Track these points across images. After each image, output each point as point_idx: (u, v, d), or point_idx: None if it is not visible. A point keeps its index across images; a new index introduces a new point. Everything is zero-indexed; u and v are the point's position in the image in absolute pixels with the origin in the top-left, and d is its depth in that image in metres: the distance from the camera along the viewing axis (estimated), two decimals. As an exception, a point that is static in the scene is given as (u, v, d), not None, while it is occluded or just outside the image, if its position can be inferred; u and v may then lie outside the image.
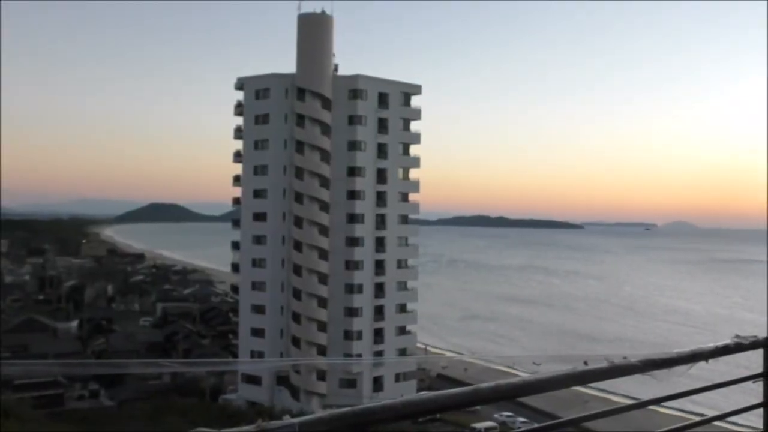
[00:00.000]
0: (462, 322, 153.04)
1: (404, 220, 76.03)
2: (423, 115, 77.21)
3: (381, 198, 73.35)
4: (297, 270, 71.13)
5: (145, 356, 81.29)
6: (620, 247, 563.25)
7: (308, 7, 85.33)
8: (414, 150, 77.23)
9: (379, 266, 73.15)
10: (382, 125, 73.29)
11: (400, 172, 75.12)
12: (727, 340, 3.39)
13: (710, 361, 3.16)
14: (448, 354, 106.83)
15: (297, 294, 71.17)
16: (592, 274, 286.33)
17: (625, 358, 2.87)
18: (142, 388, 69.44)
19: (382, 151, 73.38)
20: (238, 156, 77.26)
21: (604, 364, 2.84)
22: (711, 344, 3.29)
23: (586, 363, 2.78)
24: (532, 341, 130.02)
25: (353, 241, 71.11)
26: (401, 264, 75.55)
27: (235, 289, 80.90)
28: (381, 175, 73.21)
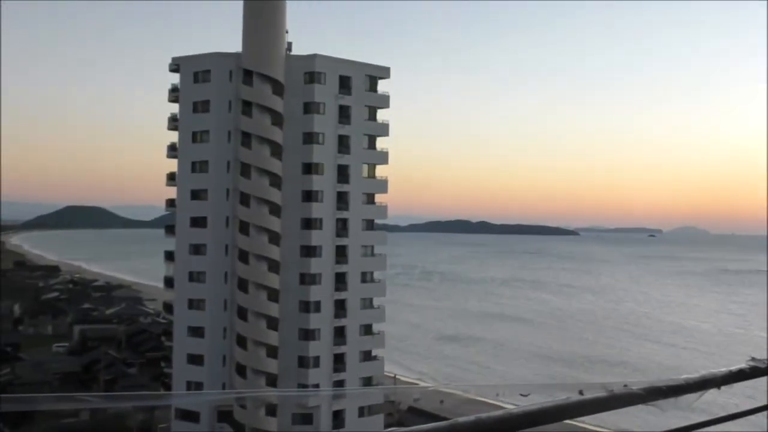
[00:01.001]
0: (437, 345, 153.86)
1: (370, 225, 76.36)
2: (392, 103, 77.89)
3: (342, 199, 73.49)
4: (243, 285, 70.84)
5: (59, 389, 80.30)
6: (620, 256, 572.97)
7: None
8: (382, 143, 77.52)
9: (340, 280, 73.31)
10: (344, 114, 73.50)
11: (365, 169, 75.45)
12: (741, 364, 3.38)
13: (722, 387, 3.19)
14: (422, 384, 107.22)
15: (242, 313, 70.83)
16: (588, 287, 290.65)
17: (625, 385, 2.83)
18: (55, 428, 68.41)
19: (343, 144, 73.53)
20: (172, 150, 76.63)
21: (602, 394, 2.78)
22: (723, 368, 3.27)
23: (581, 392, 2.73)
24: (518, 367, 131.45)
25: (309, 251, 71.13)
26: (366, 277, 75.86)
27: (168, 307, 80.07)
28: (342, 173, 73.35)
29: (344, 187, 73.31)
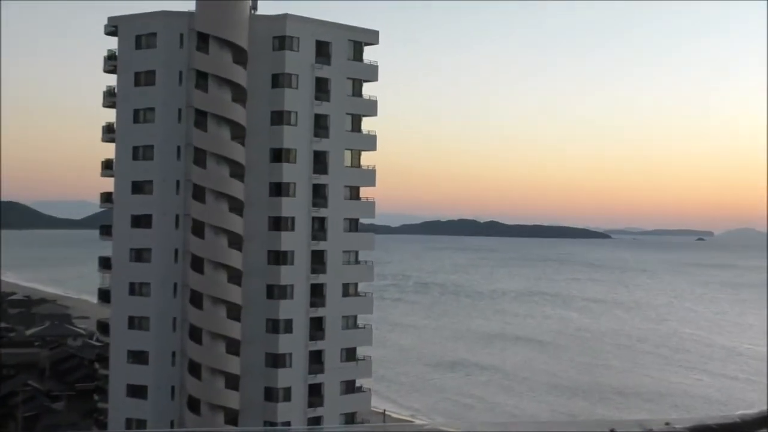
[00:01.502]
0: (434, 375, 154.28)
1: (354, 226, 76.49)
2: (382, 75, 77.94)
3: (320, 194, 73.54)
4: (196, 299, 70.66)
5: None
6: (661, 264, 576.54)
7: None
8: (369, 125, 77.62)
9: (317, 293, 73.31)
10: (322, 89, 73.43)
11: (348, 156, 75.55)
12: None
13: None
14: (415, 422, 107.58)
15: (196, 335, 70.71)
16: (621, 302, 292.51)
17: (667, 423, 2.69)
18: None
19: (321, 126, 73.50)
20: (109, 132, 76.39)
21: None
22: None
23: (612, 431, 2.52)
24: (532, 401, 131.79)
25: (279, 257, 71.02)
26: (349, 290, 75.88)
27: (103, 327, 79.75)
28: (320, 161, 73.35)
29: (322, 179, 73.25)
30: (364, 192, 77.42)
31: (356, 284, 76.91)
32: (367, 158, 77.23)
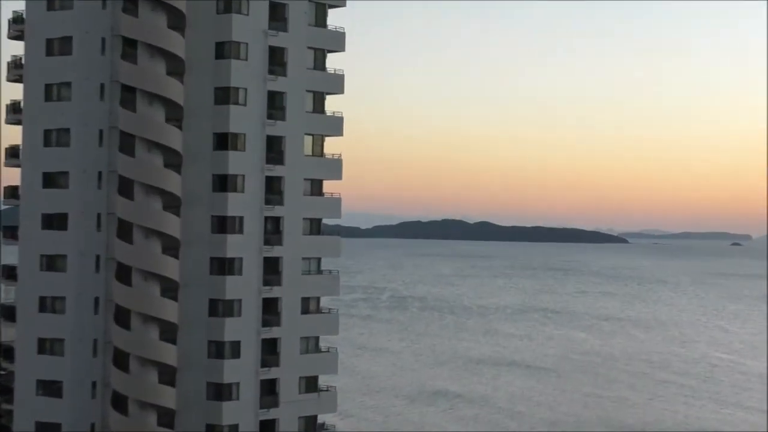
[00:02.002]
0: (412, 408, 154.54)
1: (315, 227, 76.70)
2: (350, 44, 77.96)
3: (274, 189, 73.64)
4: (122, 317, 70.56)
5: None
6: (687, 273, 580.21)
7: None
8: (334, 105, 77.75)
9: (270, 310, 73.42)
10: (277, 60, 73.57)
11: (309, 143, 75.67)
12: None
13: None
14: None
15: (122, 360, 70.73)
16: (638, 320, 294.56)
17: None
18: None
19: (276, 105, 73.55)
20: (15, 112, 76.10)
21: None
22: None
23: None
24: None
25: (223, 266, 70.98)
26: (309, 306, 76.01)
27: (6, 352, 79.35)
28: (274, 149, 73.46)
29: (276, 170, 73.31)
30: (329, 186, 77.54)
31: (318, 299, 77.04)
32: (332, 145, 77.44)
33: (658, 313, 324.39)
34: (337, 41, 77.26)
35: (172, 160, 70.74)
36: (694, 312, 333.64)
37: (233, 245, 71.05)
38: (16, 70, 76.32)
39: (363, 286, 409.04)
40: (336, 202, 78.10)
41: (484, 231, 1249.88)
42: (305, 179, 75.35)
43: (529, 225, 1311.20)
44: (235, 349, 71.06)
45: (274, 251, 73.38)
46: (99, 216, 72.12)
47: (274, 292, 73.26)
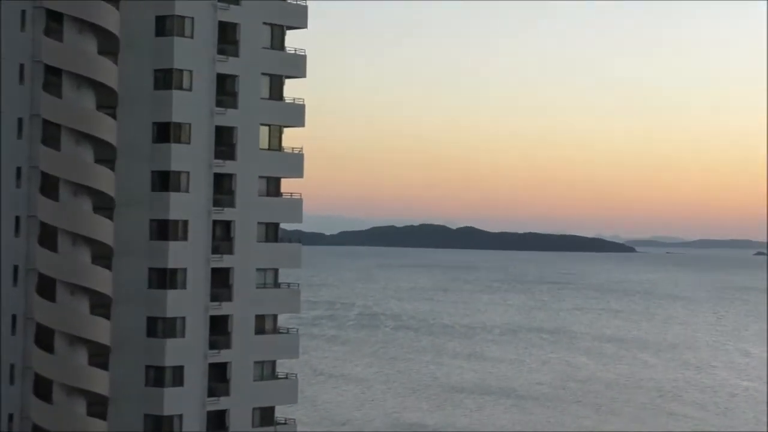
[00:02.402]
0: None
1: (272, 233, 76.83)
2: (314, 19, 78.16)
3: (224, 188, 73.80)
4: (44, 338, 70.11)
5: None
6: (705, 287, 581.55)
7: None
8: (294, 90, 77.76)
9: (219, 329, 73.36)
10: (228, 38, 73.66)
11: (265, 135, 75.84)
12: None
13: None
14: None
15: (44, 388, 70.14)
16: (647, 342, 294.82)
17: None
18: None
19: (226, 90, 73.69)
20: None
21: None
22: None
23: None
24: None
25: (163, 278, 70.97)
26: (265, 325, 76.03)
27: None
28: (224, 142, 73.54)
29: (227, 167, 73.35)
30: (288, 185, 77.70)
31: (275, 316, 77.04)
32: (292, 138, 77.62)
33: (669, 334, 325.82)
34: (298, 16, 77.33)
35: (105, 154, 70.56)
36: (711, 332, 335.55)
37: (176, 254, 70.93)
38: None
39: (328, 301, 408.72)
40: (296, 204, 78.19)
41: (469, 238, 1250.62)
42: (261, 177, 75.40)
43: (520, 231, 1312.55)
44: (178, 376, 70.88)
45: (224, 261, 73.32)
46: (18, 219, 71.77)
47: (223, 308, 73.13)
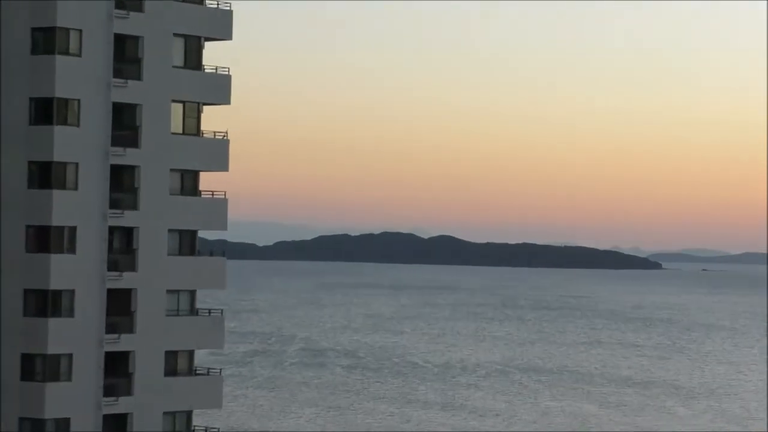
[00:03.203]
0: None
1: (187, 244, 77.30)
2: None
3: (124, 184, 73.94)
4: None
5: None
6: (752, 313, 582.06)
7: None
8: (216, 58, 78.28)
9: (117, 370, 73.37)
10: (129, -11, 74.23)
11: (178, 114, 76.13)
12: None
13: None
14: None
15: None
16: (679, 386, 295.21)
17: None
18: None
19: (127, 57, 73.85)
20: None
21: None
22: None
23: None
24: None
25: (44, 303, 70.73)
26: (177, 364, 76.22)
27: None
28: (124, 123, 73.72)
29: (129, 156, 73.53)
30: (208, 181, 78.13)
31: (191, 353, 77.34)
32: (213, 119, 77.75)
33: (707, 376, 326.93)
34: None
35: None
36: (759, 373, 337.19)
37: (60, 271, 70.91)
38: None
39: (261, 332, 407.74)
40: (220, 206, 78.51)
41: (446, 250, 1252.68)
42: (173, 170, 75.64)
43: (512, 241, 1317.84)
44: (63, 430, 70.58)
45: (124, 280, 73.40)
46: None
47: (123, 342, 73.22)
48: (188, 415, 76.91)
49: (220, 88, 77.61)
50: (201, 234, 78.20)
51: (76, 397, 71.11)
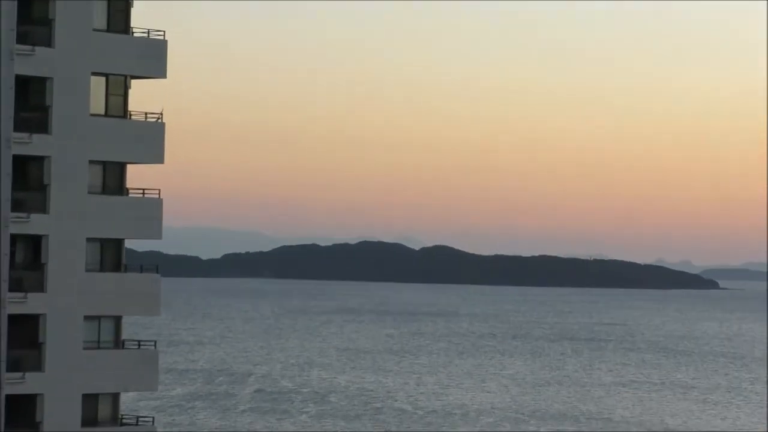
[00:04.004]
0: None
1: (111, 256, 77.72)
2: None
3: (30, 180, 74.44)
4: None
5: None
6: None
7: None
8: (147, 18, 78.79)
9: (20, 417, 73.24)
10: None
11: (99, 91, 76.38)
12: None
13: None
14: None
15: None
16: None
17: None
18: None
19: (34, 17, 74.10)
20: None
21: None
22: None
23: None
24: None
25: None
26: (97, 411, 76.34)
27: None
28: (30, 101, 74.18)
29: (35, 144, 73.84)
30: (137, 176, 78.39)
31: (116, 397, 77.56)
32: (144, 97, 77.76)
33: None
34: None
35: None
36: None
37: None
38: None
39: (205, 370, 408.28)
40: (153, 209, 78.86)
41: (442, 264, 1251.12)
42: (92, 162, 76.02)
43: (526, 254, 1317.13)
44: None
45: (30, 303, 73.65)
46: None
47: (28, 382, 73.42)
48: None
49: (153, 57, 77.80)
50: (129, 244, 78.31)
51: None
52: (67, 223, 74.61)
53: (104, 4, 76.02)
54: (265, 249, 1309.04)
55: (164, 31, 77.82)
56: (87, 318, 75.59)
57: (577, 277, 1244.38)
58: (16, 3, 72.20)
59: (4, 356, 72.59)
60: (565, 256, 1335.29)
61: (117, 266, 77.15)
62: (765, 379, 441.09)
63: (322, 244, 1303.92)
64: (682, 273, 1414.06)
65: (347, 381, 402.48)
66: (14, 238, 72.78)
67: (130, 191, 77.50)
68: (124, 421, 77.85)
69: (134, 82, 77.49)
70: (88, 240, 75.62)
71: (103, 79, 75.98)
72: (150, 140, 77.66)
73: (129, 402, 78.33)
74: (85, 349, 75.41)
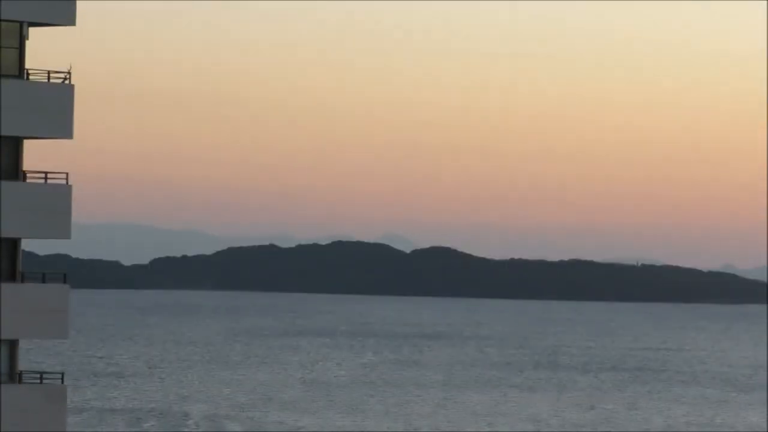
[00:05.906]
0: None
1: (7, 262, 77.74)
2: None
3: None
4: None
5: None
6: None
7: None
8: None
9: None
10: None
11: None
12: None
13: None
14: None
15: None
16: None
17: None
18: None
19: None
20: None
21: None
22: None
23: None
24: None
25: None
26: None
27: None
28: None
29: None
30: (38, 155, 78.35)
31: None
32: (47, 51, 78.02)
33: None
34: None
35: None
36: None
37: None
38: None
39: (131, 410, 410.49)
40: (59, 198, 78.84)
41: (440, 271, 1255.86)
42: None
43: (551, 258, 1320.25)
44: None
45: None
46: None
47: None
48: None
49: (58, 6, 78.09)
50: (27, 246, 78.65)
51: None
52: None
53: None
54: (208, 252, 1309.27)
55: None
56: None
57: (618, 287, 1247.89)
58: None
59: None
60: (603, 261, 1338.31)
61: (11, 275, 77.34)
62: None
63: (283, 245, 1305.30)
64: (755, 282, 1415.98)
65: (315, 424, 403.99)
66: None
67: (28, 175, 77.59)
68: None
69: (34, 31, 77.70)
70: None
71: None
72: (54, 108, 77.80)
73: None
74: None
